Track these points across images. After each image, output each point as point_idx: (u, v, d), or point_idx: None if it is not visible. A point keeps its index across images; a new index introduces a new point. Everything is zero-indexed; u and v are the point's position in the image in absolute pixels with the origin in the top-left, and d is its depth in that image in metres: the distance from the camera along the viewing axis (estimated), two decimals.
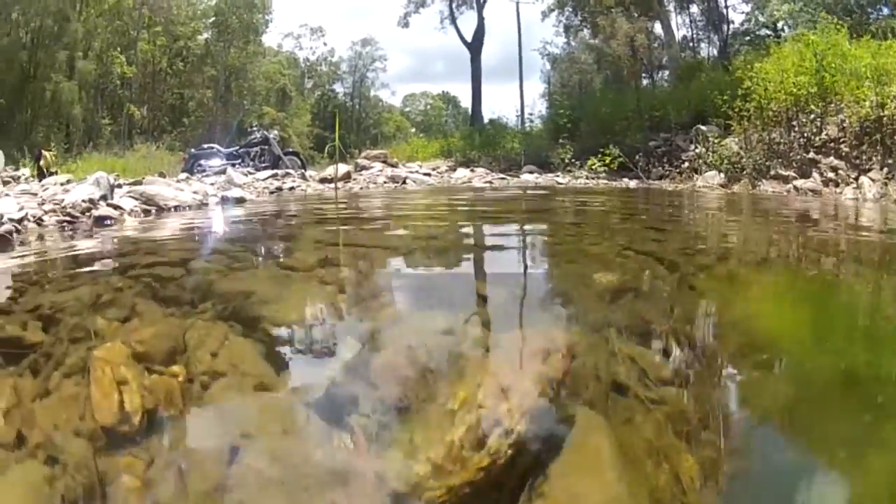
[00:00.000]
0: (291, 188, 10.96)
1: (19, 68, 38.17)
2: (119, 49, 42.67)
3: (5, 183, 9.07)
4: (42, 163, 16.77)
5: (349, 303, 2.45)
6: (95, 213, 5.54)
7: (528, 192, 11.31)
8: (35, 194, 6.53)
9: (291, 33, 62.37)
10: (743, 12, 31.65)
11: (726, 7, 31.60)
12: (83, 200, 5.88)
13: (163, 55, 43.40)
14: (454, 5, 39.52)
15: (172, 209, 6.59)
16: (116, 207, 6.00)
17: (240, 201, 7.62)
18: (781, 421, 1.55)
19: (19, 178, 9.86)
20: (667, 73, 33.75)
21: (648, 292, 2.61)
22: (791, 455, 1.42)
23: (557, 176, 15.90)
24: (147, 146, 29.09)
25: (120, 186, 7.63)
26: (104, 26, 42.21)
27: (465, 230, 5.15)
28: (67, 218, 5.44)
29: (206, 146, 18.01)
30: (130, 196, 6.61)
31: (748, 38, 30.81)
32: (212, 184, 9.78)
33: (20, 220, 5.25)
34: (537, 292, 2.74)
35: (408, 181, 13.45)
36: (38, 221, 5.32)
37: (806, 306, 2.66)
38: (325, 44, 64.79)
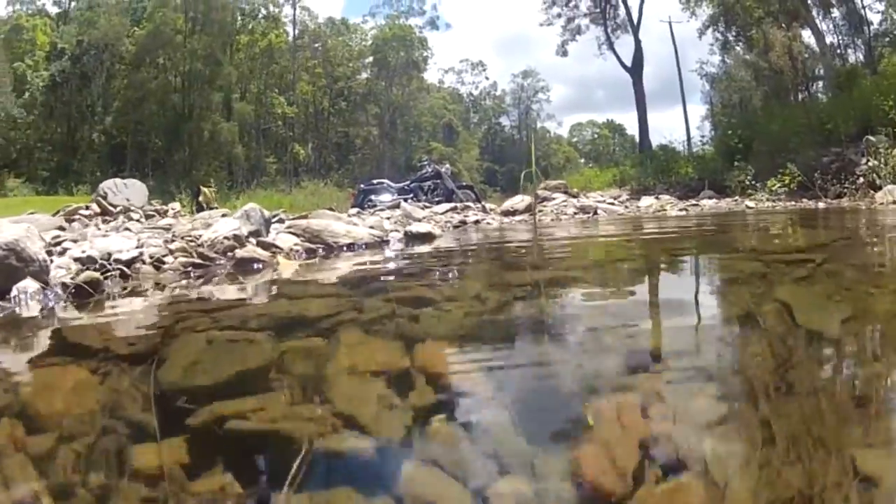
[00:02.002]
0: (476, 222, 9.03)
1: (172, 110, 40.28)
2: (277, 90, 44.16)
3: (148, 216, 7.73)
4: (201, 198, 16.41)
5: None
6: (239, 253, 3.68)
7: (738, 218, 8.94)
8: (167, 229, 4.84)
9: (452, 68, 63.24)
10: (878, 11, 29.46)
11: (864, 7, 29.31)
12: (225, 237, 4.07)
13: (324, 95, 44.36)
14: (609, 30, 38.07)
15: (344, 248, 4.66)
16: (269, 246, 4.14)
17: (426, 238, 5.61)
18: None
19: (167, 211, 8.52)
20: (820, 83, 32.09)
21: None
22: None
23: (737, 200, 14.55)
24: (314, 183, 29.03)
25: (281, 221, 5.94)
26: (259, 69, 43.93)
27: (757, 293, 2.68)
28: (198, 260, 3.61)
29: (375, 181, 17.29)
30: (290, 232, 4.76)
31: (888, 38, 29.13)
32: (387, 218, 8.04)
33: (130, 262, 3.47)
34: None
35: (598, 212, 11.37)
36: (157, 264, 3.52)
37: None
38: (486, 78, 64.95)
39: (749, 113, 32.59)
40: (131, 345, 1.86)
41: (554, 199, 15.10)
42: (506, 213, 11.15)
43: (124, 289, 3.19)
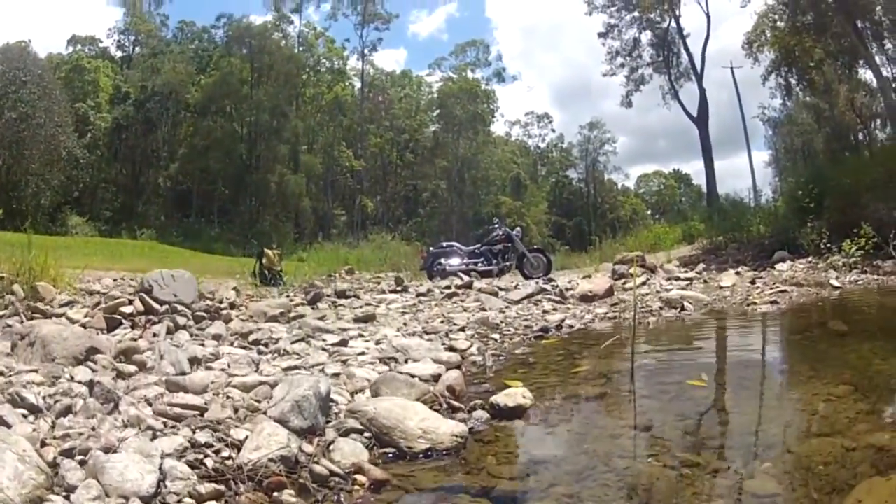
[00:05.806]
0: (559, 326, 7.94)
1: (239, 159, 40.88)
2: (346, 143, 44.30)
3: (197, 319, 6.90)
4: (265, 261, 16.10)
5: None
6: None
7: (850, 313, 7.92)
8: (201, 412, 3.90)
9: (519, 121, 63.26)
10: None
11: None
12: (271, 460, 3.13)
13: (392, 148, 44.43)
14: (672, 78, 37.85)
15: (420, 455, 3.66)
16: (324, 480, 3.18)
17: (515, 412, 4.52)
18: None
19: (219, 308, 7.69)
20: (878, 121, 32.98)
21: None
22: None
23: (811, 261, 14.31)
24: (381, 237, 28.91)
25: (355, 353, 4.88)
26: (327, 122, 44.28)
27: None
28: None
29: (445, 244, 17.67)
30: (354, 430, 3.78)
31: None
32: (462, 329, 7.16)
33: None
34: None
35: (685, 305, 10.29)
36: None
37: None
38: (552, 130, 64.69)
39: (814, 158, 33.44)
40: None
41: (631, 275, 14.38)
42: (584, 299, 10.53)
43: None
